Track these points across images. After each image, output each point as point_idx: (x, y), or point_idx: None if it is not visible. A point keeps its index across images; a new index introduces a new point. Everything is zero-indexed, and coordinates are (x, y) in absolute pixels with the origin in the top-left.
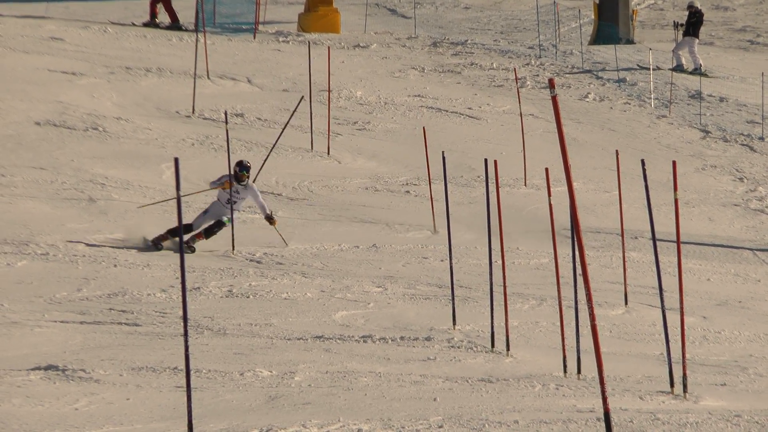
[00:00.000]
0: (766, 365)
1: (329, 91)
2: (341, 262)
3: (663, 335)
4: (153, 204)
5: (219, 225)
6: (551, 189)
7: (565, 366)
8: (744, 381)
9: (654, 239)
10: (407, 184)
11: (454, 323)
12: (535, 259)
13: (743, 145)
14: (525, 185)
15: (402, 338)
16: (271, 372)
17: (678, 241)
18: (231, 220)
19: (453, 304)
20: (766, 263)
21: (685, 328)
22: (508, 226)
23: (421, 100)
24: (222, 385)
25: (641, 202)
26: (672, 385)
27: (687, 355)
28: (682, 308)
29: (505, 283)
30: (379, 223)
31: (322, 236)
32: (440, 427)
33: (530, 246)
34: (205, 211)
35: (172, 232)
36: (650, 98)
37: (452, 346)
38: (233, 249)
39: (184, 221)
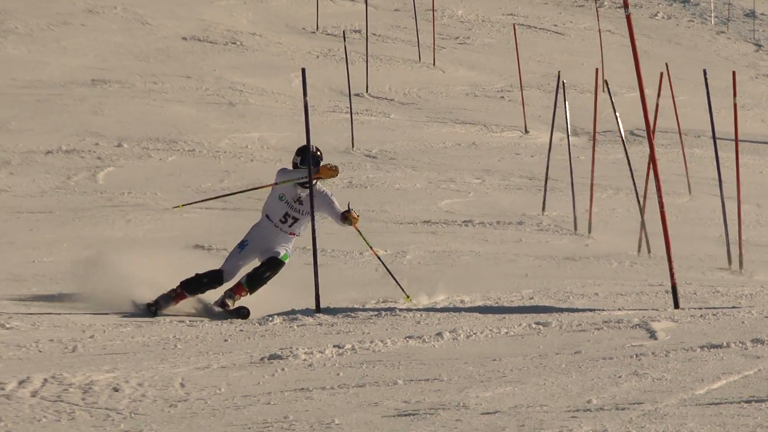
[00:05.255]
0: None
1: (434, 10)
2: (445, 157)
3: (722, 220)
4: (193, 203)
5: (272, 265)
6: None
7: (639, 246)
8: None
9: (714, 138)
10: (502, 90)
11: (543, 209)
12: (612, 155)
13: None
14: (603, 91)
15: (498, 222)
16: (386, 251)
17: (736, 139)
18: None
19: (545, 192)
20: None
21: (741, 213)
22: (589, 126)
23: (513, 18)
24: (344, 263)
25: (703, 107)
26: (729, 262)
27: (743, 237)
28: (738, 196)
29: (593, 176)
30: (478, 124)
31: (429, 136)
32: (531, 298)
33: (606, 144)
34: (242, 244)
35: (189, 287)
36: (711, 16)
37: (541, 230)
38: (353, 146)
39: (209, 267)
